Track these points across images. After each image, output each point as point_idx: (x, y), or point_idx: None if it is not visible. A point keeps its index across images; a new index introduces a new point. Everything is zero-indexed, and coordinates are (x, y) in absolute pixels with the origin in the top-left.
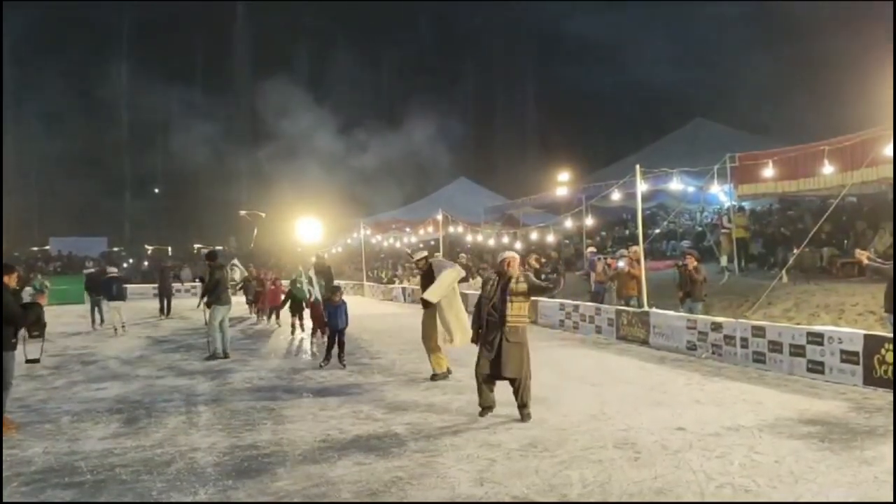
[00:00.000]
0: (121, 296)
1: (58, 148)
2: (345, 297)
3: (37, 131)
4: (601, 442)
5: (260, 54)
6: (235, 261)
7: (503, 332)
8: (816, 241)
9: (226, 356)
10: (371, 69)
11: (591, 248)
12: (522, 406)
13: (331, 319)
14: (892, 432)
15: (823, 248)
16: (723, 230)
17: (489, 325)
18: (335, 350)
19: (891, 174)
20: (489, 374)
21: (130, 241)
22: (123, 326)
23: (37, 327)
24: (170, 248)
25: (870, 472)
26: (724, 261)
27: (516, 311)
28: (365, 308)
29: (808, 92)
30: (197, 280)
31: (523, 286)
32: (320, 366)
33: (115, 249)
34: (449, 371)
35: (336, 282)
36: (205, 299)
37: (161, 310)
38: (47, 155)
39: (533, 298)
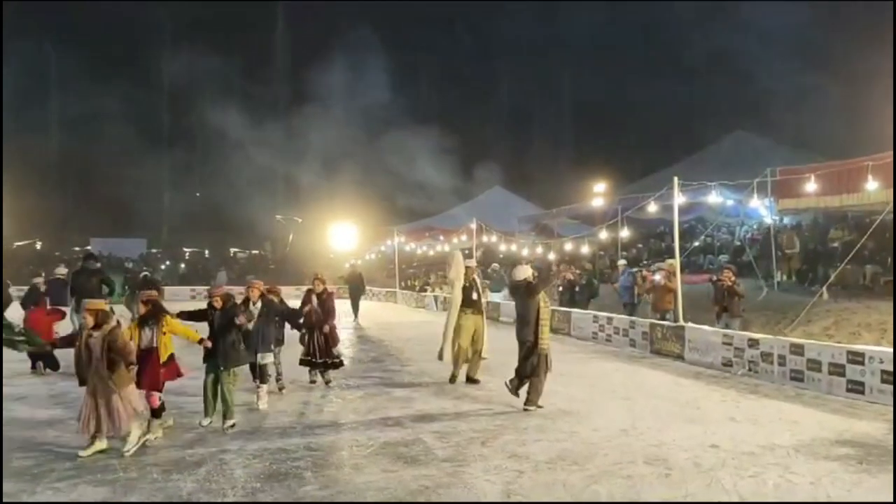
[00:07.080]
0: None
1: (98, 149)
2: (376, 303)
3: (78, 132)
4: (631, 457)
5: (296, 60)
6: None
7: None
8: (859, 257)
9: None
10: (407, 77)
11: (622, 262)
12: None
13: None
14: None
15: (866, 265)
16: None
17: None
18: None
19: None
20: None
21: (168, 244)
22: None
23: None
24: (207, 251)
25: None
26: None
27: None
28: (397, 316)
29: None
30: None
31: None
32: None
33: (154, 251)
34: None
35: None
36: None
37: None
38: (88, 154)
39: (564, 310)
